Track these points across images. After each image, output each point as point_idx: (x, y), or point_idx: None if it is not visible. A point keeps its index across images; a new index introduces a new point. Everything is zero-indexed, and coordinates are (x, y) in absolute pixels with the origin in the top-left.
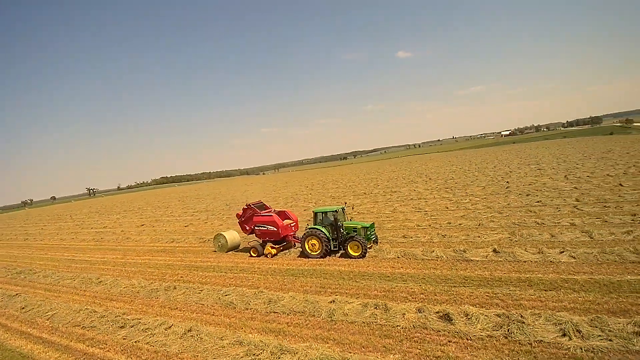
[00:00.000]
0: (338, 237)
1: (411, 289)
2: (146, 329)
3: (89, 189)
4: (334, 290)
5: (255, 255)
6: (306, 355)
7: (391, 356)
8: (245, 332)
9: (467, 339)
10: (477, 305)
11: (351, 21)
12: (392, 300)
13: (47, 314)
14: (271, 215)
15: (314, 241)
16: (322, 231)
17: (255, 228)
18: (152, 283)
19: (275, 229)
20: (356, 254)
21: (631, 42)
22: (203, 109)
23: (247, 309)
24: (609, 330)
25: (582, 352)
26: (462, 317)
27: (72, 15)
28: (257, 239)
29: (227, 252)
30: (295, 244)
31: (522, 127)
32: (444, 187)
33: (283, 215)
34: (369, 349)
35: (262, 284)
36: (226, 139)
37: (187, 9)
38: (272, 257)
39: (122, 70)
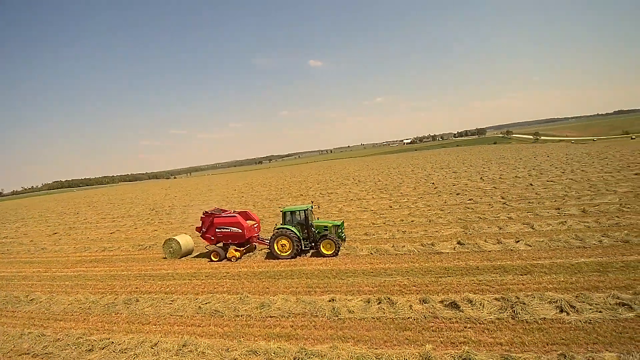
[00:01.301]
0: (309, 236)
1: (401, 282)
2: (125, 350)
3: None
4: (326, 290)
5: (216, 259)
6: (338, 357)
7: (419, 347)
8: (250, 340)
9: (480, 323)
10: (474, 292)
11: (266, 26)
12: (390, 294)
13: None
14: (235, 216)
15: (285, 241)
16: (292, 231)
17: (217, 230)
18: (103, 297)
19: (240, 231)
20: (329, 253)
21: (510, 64)
22: (106, 109)
23: (237, 316)
24: (596, 304)
25: (582, 324)
26: (467, 304)
27: None
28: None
29: (180, 258)
30: (256, 246)
31: (420, 136)
32: (376, 188)
33: (245, 216)
34: (393, 343)
35: (242, 289)
36: (132, 141)
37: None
38: (236, 260)
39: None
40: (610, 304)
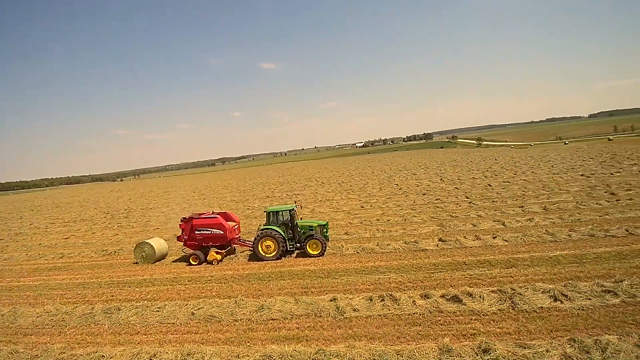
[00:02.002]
0: (294, 236)
1: (395, 279)
2: None
3: None
4: (322, 290)
5: (195, 263)
6: (359, 355)
7: (434, 341)
8: (258, 344)
9: (484, 315)
10: (470, 286)
11: (217, 26)
12: (391, 291)
13: None
14: (216, 217)
15: (269, 242)
16: (277, 231)
17: (196, 232)
18: (76, 307)
19: (222, 232)
20: (315, 253)
21: (453, 74)
22: (38, 106)
23: (236, 321)
24: (584, 292)
25: (576, 311)
26: (468, 297)
27: None
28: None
29: (153, 263)
30: (235, 249)
31: (372, 139)
32: (343, 189)
33: (225, 217)
34: (406, 339)
35: (233, 292)
36: (69, 142)
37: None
38: (217, 263)
39: None
40: (597, 292)
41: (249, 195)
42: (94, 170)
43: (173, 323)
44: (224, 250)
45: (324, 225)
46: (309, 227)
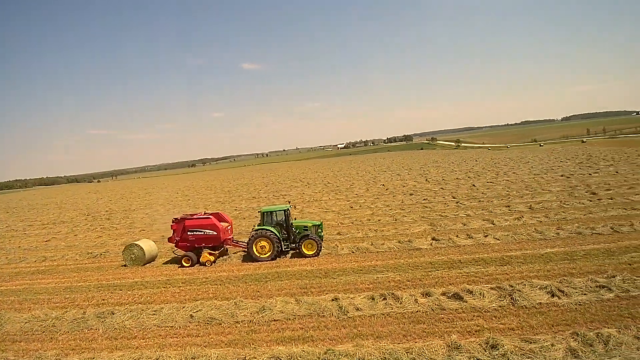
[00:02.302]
0: (289, 236)
1: (394, 278)
2: None
3: None
4: (322, 290)
5: (188, 265)
6: (369, 355)
7: (441, 338)
8: (264, 346)
9: (486, 312)
10: (468, 283)
11: (198, 25)
12: (392, 290)
13: None
14: (209, 218)
15: (264, 243)
16: (272, 232)
17: (189, 234)
18: (66, 312)
19: (215, 233)
20: (311, 253)
21: (431, 77)
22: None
23: (237, 322)
24: (579, 288)
25: (574, 305)
26: (469, 295)
27: None
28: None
29: (143, 265)
30: (227, 250)
31: (353, 141)
32: (329, 190)
33: (218, 217)
34: (413, 337)
35: (231, 294)
36: (42, 142)
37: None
38: (210, 264)
39: None
40: (591, 287)
41: (235, 196)
42: (69, 170)
43: (172, 326)
44: (217, 252)
45: (319, 225)
46: (304, 227)
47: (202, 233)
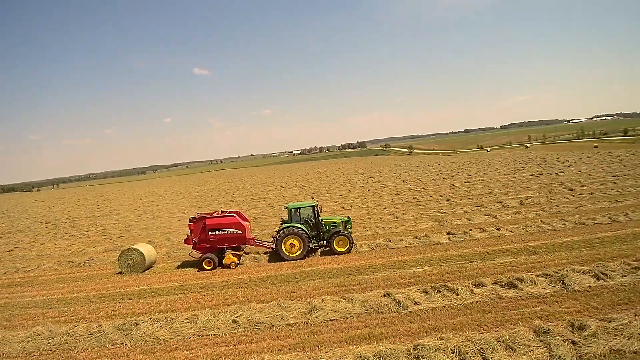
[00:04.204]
0: (318, 234)
1: (431, 272)
2: None
3: None
4: (365, 287)
5: (209, 267)
6: (464, 346)
7: (523, 325)
8: (335, 347)
9: (545, 297)
10: (515, 272)
11: (140, 24)
12: (439, 283)
13: None
14: (232, 216)
15: (294, 241)
16: (302, 229)
17: (210, 233)
18: (76, 327)
19: (240, 232)
20: (343, 250)
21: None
22: None
23: (290, 325)
24: (617, 270)
25: (619, 286)
26: (521, 283)
27: None
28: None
29: (142, 272)
30: (245, 250)
31: (308, 147)
32: (310, 192)
33: (239, 215)
34: (489, 327)
35: (266, 297)
36: None
37: None
38: (235, 267)
39: None
40: (627, 269)
41: (208, 200)
42: (4, 179)
43: (215, 334)
44: (240, 252)
45: (347, 221)
46: (333, 223)
47: (226, 232)
